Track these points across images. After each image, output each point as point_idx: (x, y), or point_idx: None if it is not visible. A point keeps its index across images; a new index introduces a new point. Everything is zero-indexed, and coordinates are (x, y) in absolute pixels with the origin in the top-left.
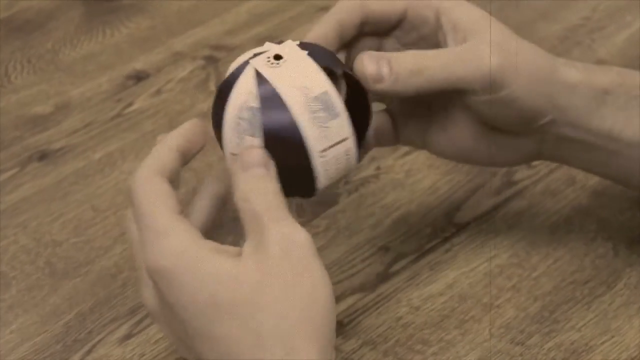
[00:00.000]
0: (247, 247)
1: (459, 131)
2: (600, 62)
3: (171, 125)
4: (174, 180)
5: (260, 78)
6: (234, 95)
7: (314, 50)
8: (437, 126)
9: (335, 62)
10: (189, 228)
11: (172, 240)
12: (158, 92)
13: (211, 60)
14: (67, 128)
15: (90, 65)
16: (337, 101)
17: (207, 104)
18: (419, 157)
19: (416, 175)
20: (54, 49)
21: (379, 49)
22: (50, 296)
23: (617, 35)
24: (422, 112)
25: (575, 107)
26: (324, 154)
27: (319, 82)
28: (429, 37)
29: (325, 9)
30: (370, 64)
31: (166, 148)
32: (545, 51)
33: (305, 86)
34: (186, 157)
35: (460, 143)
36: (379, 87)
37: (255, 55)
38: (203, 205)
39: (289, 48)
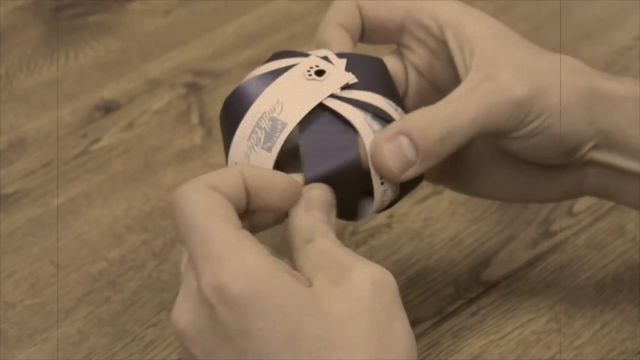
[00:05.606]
0: (322, 281)
1: (489, 168)
2: None
3: (146, 165)
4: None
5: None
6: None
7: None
8: (464, 165)
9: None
10: (260, 245)
11: (245, 258)
12: (130, 125)
13: (193, 88)
14: (22, 169)
15: (50, 94)
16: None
17: (188, 140)
18: (439, 204)
19: (436, 224)
20: (7, 75)
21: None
22: None
23: None
24: None
25: (621, 128)
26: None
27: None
28: (439, 53)
29: None
30: (392, 154)
31: (235, 172)
32: (584, 63)
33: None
34: (253, 201)
35: (491, 181)
36: (406, 175)
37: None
38: None
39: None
